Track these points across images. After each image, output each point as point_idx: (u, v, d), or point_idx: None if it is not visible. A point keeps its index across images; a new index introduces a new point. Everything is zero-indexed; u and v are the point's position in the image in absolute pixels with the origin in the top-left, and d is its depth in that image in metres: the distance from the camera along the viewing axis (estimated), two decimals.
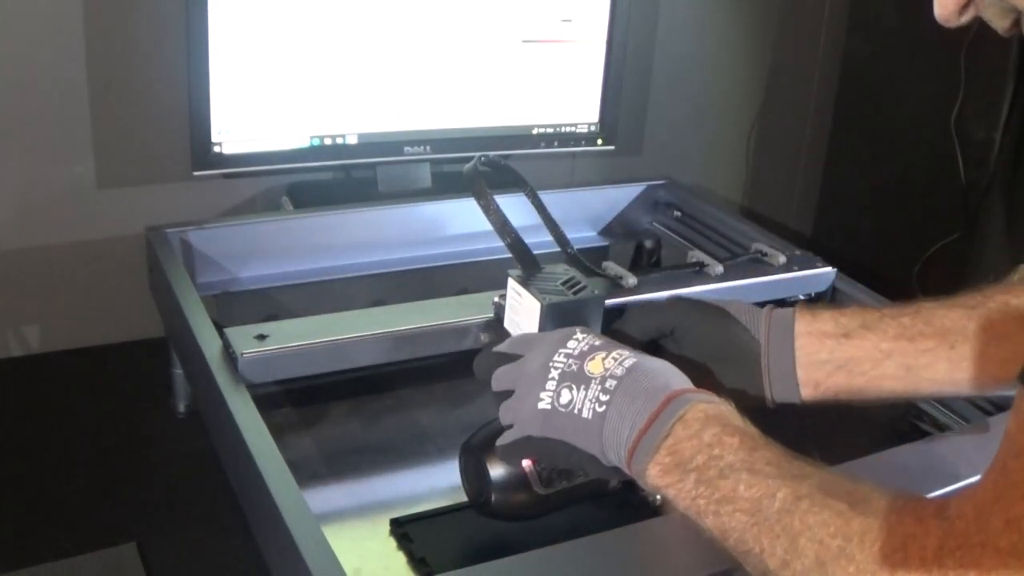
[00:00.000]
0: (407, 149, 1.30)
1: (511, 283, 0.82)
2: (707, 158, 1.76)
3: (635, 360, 0.68)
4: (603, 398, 0.66)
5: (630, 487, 0.78)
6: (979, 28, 0.58)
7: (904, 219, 1.68)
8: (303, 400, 1.00)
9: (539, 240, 0.86)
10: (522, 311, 0.81)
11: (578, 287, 0.80)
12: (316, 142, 1.26)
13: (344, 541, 0.72)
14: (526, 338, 0.76)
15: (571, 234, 0.90)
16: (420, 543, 0.79)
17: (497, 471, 0.75)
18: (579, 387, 0.67)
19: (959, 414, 0.99)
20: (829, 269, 1.14)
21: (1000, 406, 0.96)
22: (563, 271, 0.83)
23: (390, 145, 1.30)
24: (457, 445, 0.79)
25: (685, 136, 1.71)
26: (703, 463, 0.61)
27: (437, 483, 0.89)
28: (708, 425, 0.62)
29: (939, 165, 1.57)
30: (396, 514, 0.82)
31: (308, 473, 0.88)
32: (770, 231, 1.23)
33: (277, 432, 0.80)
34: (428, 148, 1.31)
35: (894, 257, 1.65)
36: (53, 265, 1.28)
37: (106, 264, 1.30)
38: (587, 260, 0.94)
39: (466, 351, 0.99)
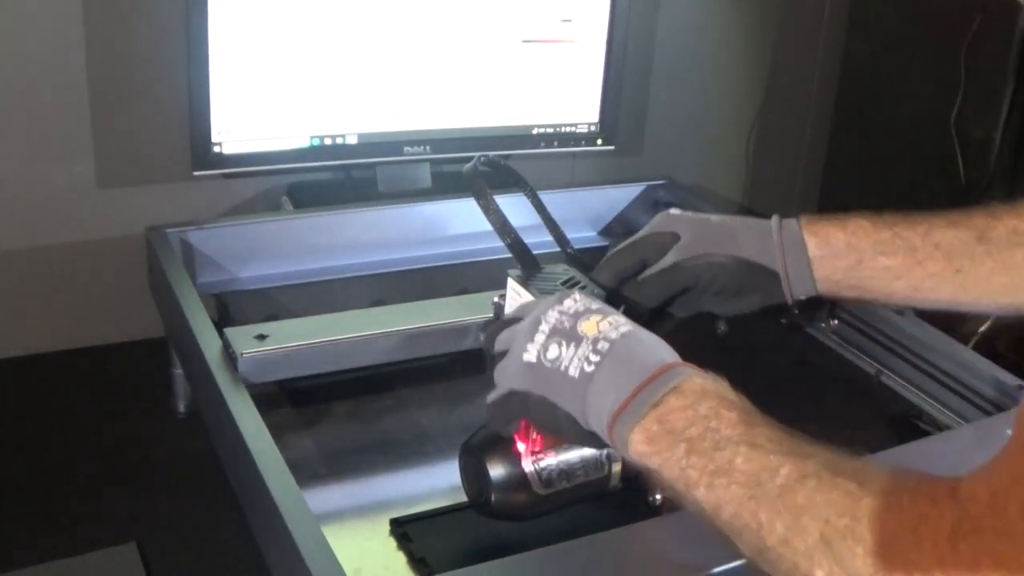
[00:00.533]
0: (407, 149, 1.30)
1: (511, 283, 0.82)
2: (707, 158, 1.76)
3: (631, 328, 0.66)
4: (593, 358, 0.64)
5: (630, 487, 0.78)
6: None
7: None
8: (303, 400, 1.00)
9: (539, 240, 0.86)
10: None
11: (578, 287, 0.80)
12: (316, 142, 1.26)
13: (344, 541, 0.72)
14: (530, 303, 0.75)
15: (571, 234, 0.89)
16: (420, 543, 0.79)
17: (497, 471, 0.75)
18: (569, 344, 0.65)
19: (959, 414, 0.99)
20: None
21: (1000, 406, 0.96)
22: (563, 271, 0.82)
23: (390, 145, 1.30)
24: (457, 445, 0.79)
25: (685, 136, 1.71)
26: (697, 435, 0.59)
27: (437, 483, 0.89)
28: (705, 398, 0.61)
29: (939, 165, 1.57)
30: (396, 514, 0.82)
31: (308, 473, 0.88)
32: None
33: (277, 432, 0.81)
34: (428, 148, 1.31)
35: None
36: (53, 265, 1.28)
37: (106, 264, 1.30)
38: (587, 260, 0.94)
39: (466, 351, 0.99)
